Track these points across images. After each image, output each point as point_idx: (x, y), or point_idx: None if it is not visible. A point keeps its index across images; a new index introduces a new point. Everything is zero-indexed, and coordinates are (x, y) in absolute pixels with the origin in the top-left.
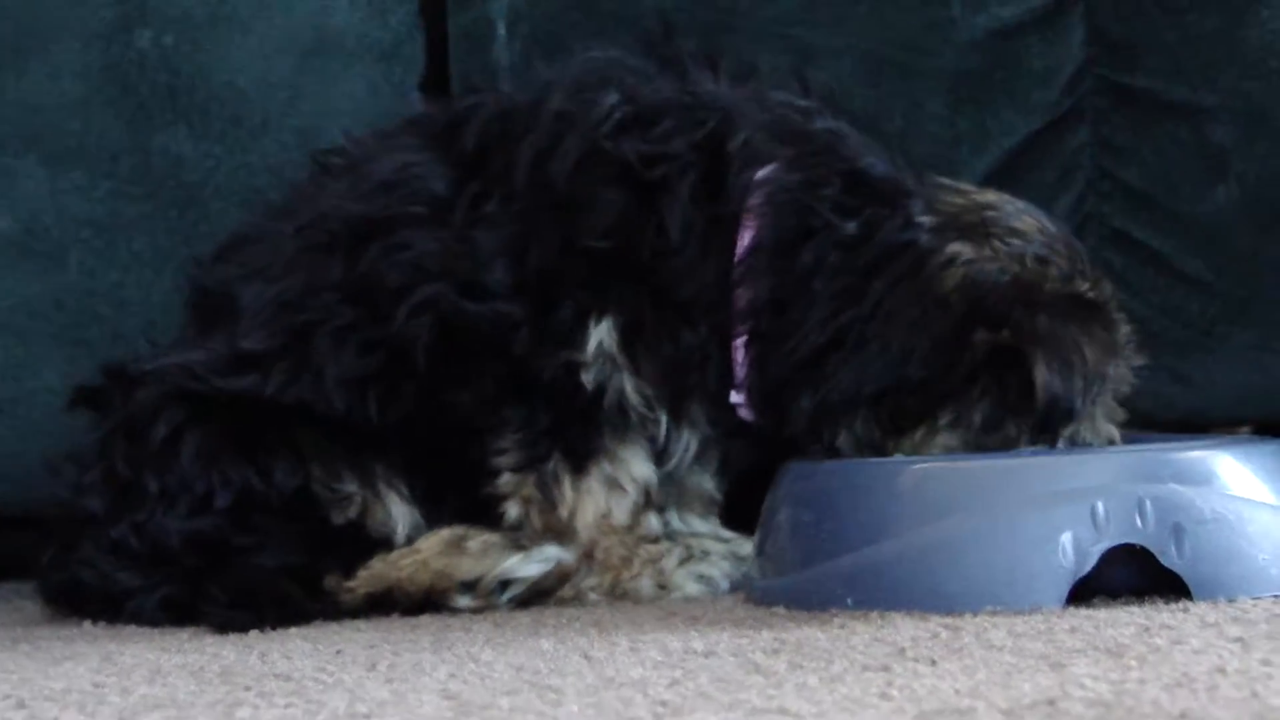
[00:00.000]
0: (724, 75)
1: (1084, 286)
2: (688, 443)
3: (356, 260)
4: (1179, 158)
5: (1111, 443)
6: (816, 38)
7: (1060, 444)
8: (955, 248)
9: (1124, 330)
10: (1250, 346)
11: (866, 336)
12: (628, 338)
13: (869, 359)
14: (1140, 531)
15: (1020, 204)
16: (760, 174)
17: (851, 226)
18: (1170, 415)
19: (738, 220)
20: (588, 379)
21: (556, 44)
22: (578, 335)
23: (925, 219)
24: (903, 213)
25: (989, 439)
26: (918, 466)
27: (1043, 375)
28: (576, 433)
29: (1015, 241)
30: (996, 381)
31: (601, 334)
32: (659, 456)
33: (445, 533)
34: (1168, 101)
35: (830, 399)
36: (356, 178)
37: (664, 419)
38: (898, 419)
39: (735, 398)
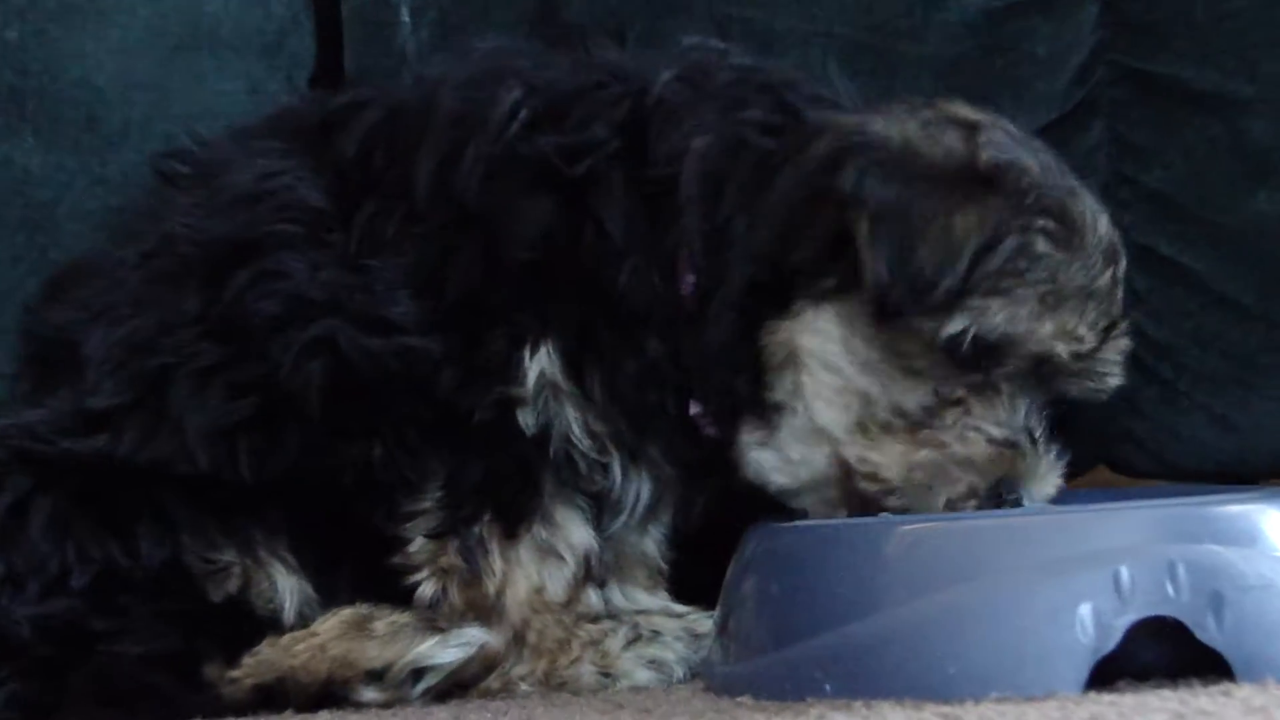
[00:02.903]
0: (631, 44)
1: (985, 156)
2: (639, 490)
3: (218, 289)
4: (1211, 158)
5: (1009, 342)
6: (779, 22)
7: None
8: (836, 118)
9: (1074, 213)
10: None
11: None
12: (575, 363)
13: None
14: (1172, 601)
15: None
16: (693, 140)
17: (770, 142)
18: (1208, 465)
19: (677, 200)
20: (528, 419)
21: (474, 34)
22: (513, 367)
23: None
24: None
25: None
26: (909, 527)
27: (869, 254)
28: (513, 488)
29: (928, 113)
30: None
31: (542, 362)
32: (612, 507)
33: (346, 612)
34: (1197, 92)
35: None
36: (210, 190)
37: (617, 463)
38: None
39: (694, 408)
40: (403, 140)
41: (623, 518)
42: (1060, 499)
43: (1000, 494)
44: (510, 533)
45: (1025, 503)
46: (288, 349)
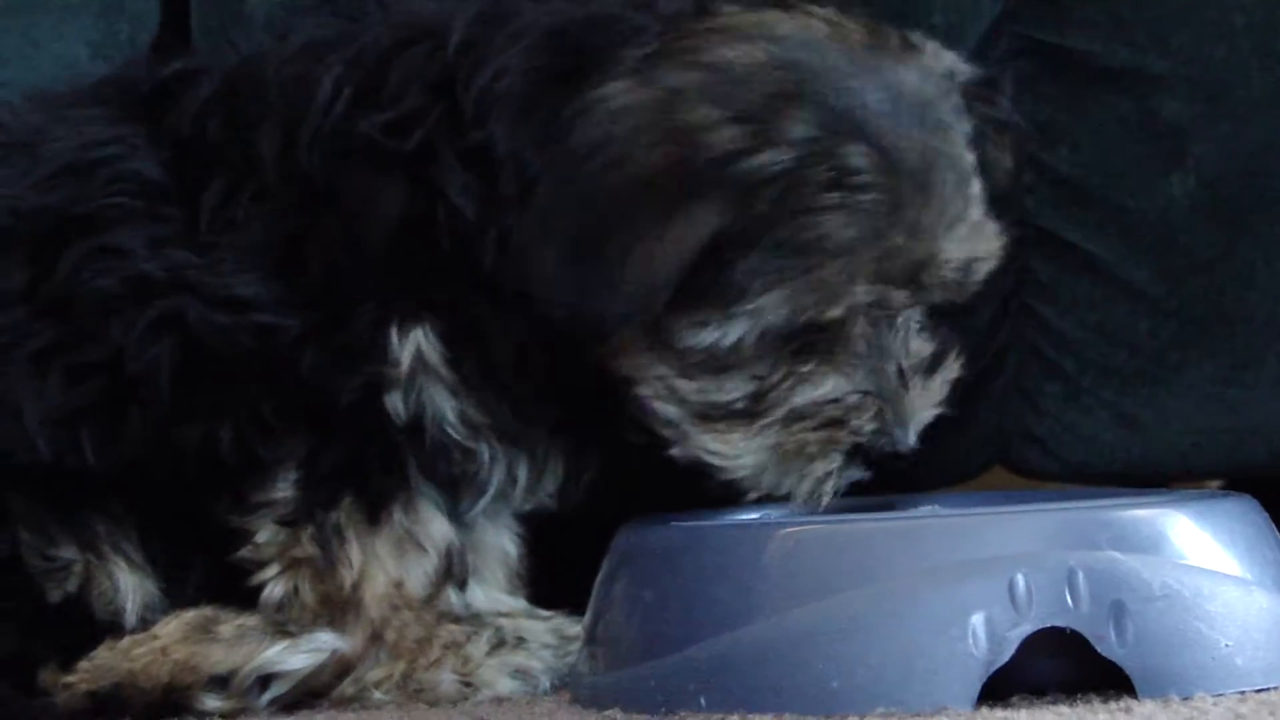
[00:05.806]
0: None
1: None
2: (513, 470)
3: (48, 265)
4: (1121, 139)
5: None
6: None
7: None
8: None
9: None
10: (1213, 379)
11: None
12: (455, 347)
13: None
14: (1071, 611)
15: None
16: (497, 85)
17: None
18: (1112, 466)
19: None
20: (397, 404)
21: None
22: (384, 347)
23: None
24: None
25: None
26: (791, 529)
27: None
28: (377, 473)
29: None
30: None
31: (418, 341)
32: (477, 488)
33: (190, 614)
34: (1107, 68)
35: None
36: (30, 159)
37: (486, 447)
38: None
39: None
40: (240, 116)
41: (485, 499)
42: (953, 502)
43: (871, 458)
44: (372, 519)
45: (900, 448)
46: (130, 329)
